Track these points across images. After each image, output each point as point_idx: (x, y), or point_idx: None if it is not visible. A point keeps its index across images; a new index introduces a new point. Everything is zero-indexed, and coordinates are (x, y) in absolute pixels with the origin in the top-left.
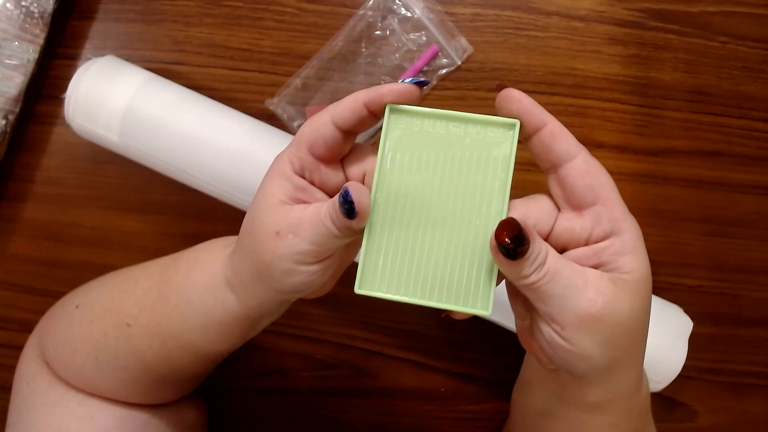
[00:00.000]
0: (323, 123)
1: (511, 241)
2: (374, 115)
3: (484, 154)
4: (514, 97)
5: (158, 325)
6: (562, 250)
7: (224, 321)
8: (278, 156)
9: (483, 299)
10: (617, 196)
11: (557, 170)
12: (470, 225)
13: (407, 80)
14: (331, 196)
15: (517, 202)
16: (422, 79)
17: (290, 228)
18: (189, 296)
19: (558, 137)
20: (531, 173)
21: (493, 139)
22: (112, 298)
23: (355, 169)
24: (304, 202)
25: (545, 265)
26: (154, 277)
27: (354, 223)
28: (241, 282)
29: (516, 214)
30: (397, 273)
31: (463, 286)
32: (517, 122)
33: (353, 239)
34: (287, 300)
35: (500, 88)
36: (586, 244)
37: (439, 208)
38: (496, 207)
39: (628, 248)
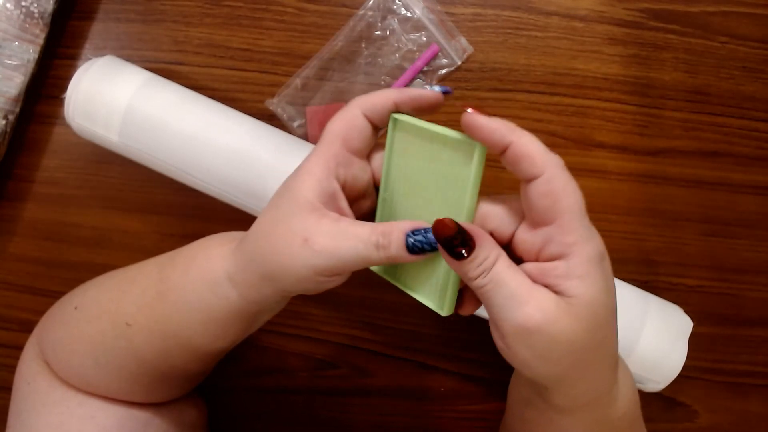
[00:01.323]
0: (355, 115)
1: (451, 241)
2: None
3: (454, 172)
4: (472, 124)
5: (157, 324)
6: (518, 259)
7: (224, 317)
8: (308, 156)
9: (441, 299)
10: (576, 219)
11: (526, 184)
12: None
13: (436, 88)
14: (355, 196)
15: (486, 203)
16: (448, 88)
17: (320, 240)
18: (188, 294)
19: (520, 159)
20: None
21: (460, 160)
22: (110, 297)
23: (380, 164)
24: (328, 207)
25: (490, 272)
26: (151, 276)
27: (412, 258)
28: (245, 279)
29: (477, 217)
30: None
31: (432, 283)
32: (478, 145)
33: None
34: (288, 297)
35: (463, 109)
36: (535, 260)
37: (425, 213)
38: (463, 219)
39: (573, 273)
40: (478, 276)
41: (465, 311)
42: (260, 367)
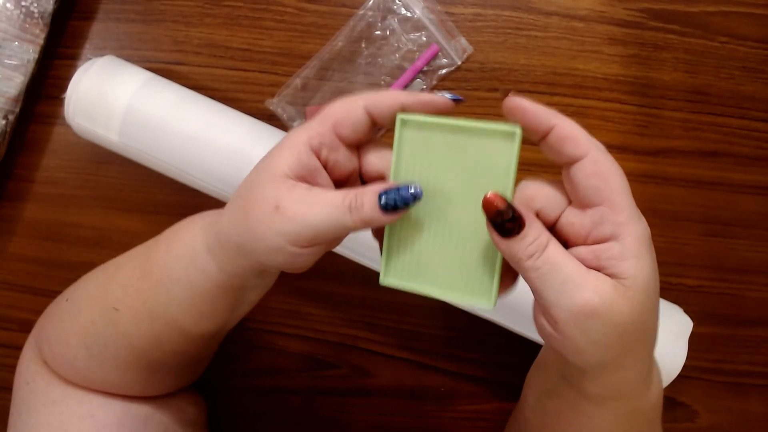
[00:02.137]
0: (357, 106)
1: (502, 216)
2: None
3: (487, 162)
4: (518, 107)
5: (144, 304)
6: (564, 243)
7: (207, 291)
8: (295, 129)
9: (485, 291)
10: (625, 199)
11: (568, 168)
12: (477, 223)
13: (447, 95)
14: (339, 180)
15: (530, 183)
16: (460, 97)
17: (292, 206)
18: (170, 270)
19: (565, 141)
20: (531, 173)
21: (495, 149)
22: (97, 285)
23: (373, 159)
24: (307, 182)
25: (543, 254)
26: (136, 259)
27: (387, 218)
28: (222, 248)
29: (522, 195)
30: (415, 265)
31: (470, 279)
32: (518, 131)
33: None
34: (269, 273)
35: (505, 94)
36: (584, 243)
37: (449, 209)
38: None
39: (628, 254)
40: (530, 257)
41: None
42: (260, 367)
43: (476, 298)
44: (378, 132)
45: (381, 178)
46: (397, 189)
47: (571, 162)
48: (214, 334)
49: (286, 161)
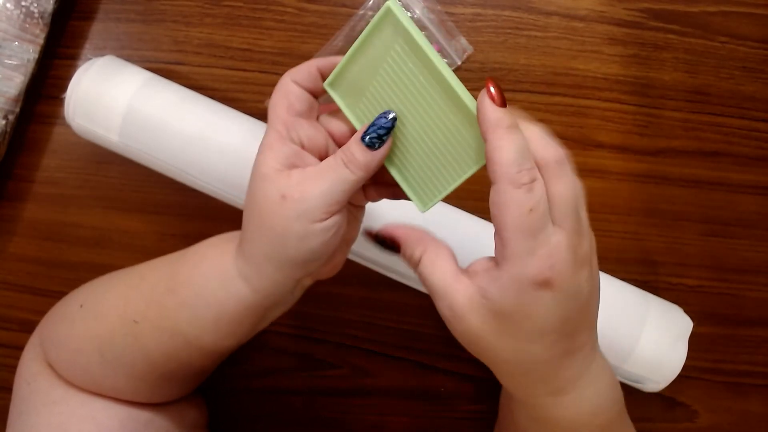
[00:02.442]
0: (287, 83)
1: (381, 244)
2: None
3: (456, 125)
4: (479, 109)
5: (166, 320)
6: None
7: (236, 313)
8: (262, 140)
9: (428, 195)
10: (514, 234)
11: None
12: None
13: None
14: (319, 155)
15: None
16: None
17: (296, 188)
18: (198, 291)
19: (488, 162)
20: None
21: (471, 128)
22: (118, 294)
23: (334, 124)
24: (297, 167)
25: (418, 268)
26: (161, 273)
27: (380, 153)
28: (255, 267)
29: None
30: (367, 102)
31: (423, 174)
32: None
33: (359, 188)
34: (302, 284)
35: (486, 85)
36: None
37: (418, 122)
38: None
39: (499, 281)
40: (412, 268)
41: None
42: (260, 367)
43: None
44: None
45: (351, 135)
46: (373, 123)
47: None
48: (231, 350)
49: (271, 159)
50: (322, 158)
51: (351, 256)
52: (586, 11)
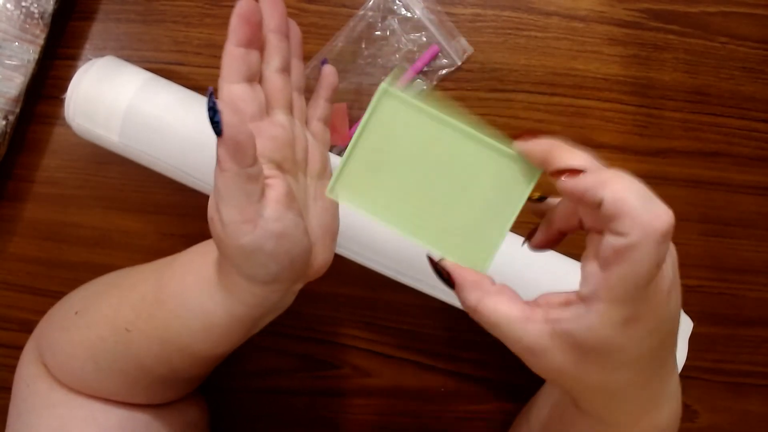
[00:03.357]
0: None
1: (436, 271)
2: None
3: (491, 173)
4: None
5: (156, 330)
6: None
7: (226, 324)
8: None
9: (483, 253)
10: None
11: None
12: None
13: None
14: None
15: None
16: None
17: (212, 208)
18: (186, 301)
19: (613, 219)
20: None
21: (507, 169)
22: (109, 303)
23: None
24: None
25: (476, 311)
26: (150, 282)
27: (228, 135)
28: (234, 286)
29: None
30: (385, 191)
31: (463, 232)
32: (537, 174)
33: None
34: (291, 290)
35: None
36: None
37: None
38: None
39: (587, 323)
40: (470, 310)
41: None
42: (260, 367)
43: (467, 258)
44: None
45: None
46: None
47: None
48: (226, 354)
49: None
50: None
51: (351, 255)
52: (586, 11)
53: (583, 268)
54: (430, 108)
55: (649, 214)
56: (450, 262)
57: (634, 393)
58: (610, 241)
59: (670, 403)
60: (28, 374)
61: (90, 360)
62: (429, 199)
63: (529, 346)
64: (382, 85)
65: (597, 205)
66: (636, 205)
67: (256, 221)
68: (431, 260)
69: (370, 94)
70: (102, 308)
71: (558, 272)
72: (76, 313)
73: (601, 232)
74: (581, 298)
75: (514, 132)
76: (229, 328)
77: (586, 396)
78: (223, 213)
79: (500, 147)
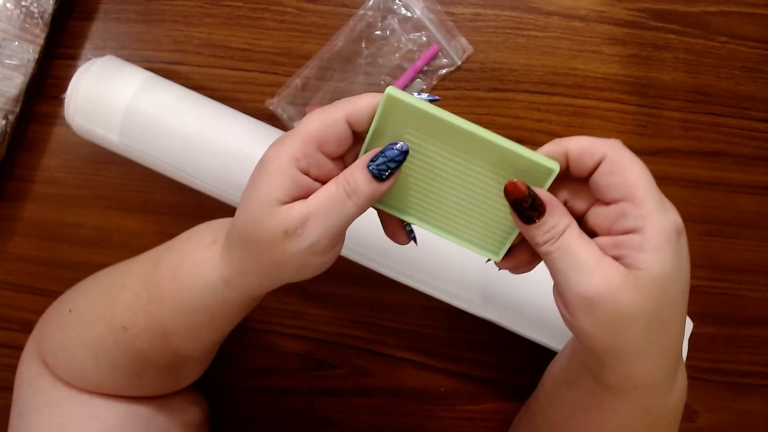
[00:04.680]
0: (337, 120)
1: (523, 204)
2: None
3: (506, 171)
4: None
5: (158, 327)
6: (593, 233)
7: (229, 312)
8: (276, 151)
9: (497, 247)
10: (647, 192)
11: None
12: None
13: (423, 96)
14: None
15: (561, 179)
16: (436, 97)
17: (298, 223)
18: (186, 300)
19: (578, 159)
20: None
21: (520, 165)
22: (102, 303)
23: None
24: (302, 198)
25: (559, 240)
26: (140, 281)
27: (385, 186)
28: (244, 278)
29: (551, 189)
30: (403, 189)
31: (486, 234)
32: (556, 167)
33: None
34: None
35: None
36: (609, 234)
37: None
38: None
39: (647, 245)
40: (546, 242)
41: (511, 265)
42: (260, 367)
43: (488, 251)
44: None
45: None
46: (382, 152)
47: (592, 170)
48: (228, 334)
49: (278, 188)
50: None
51: (351, 255)
52: (586, 11)
53: (603, 214)
54: (438, 110)
55: (601, 139)
56: (540, 190)
57: (676, 345)
58: (603, 168)
59: (680, 388)
60: (29, 374)
61: (91, 358)
62: (447, 197)
63: (611, 283)
64: (388, 90)
65: (565, 166)
66: (591, 139)
67: (338, 248)
68: (515, 186)
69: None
70: (96, 307)
71: None
72: (70, 311)
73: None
74: (630, 230)
75: (515, 132)
76: (233, 315)
77: (641, 351)
78: (316, 237)
79: (513, 148)
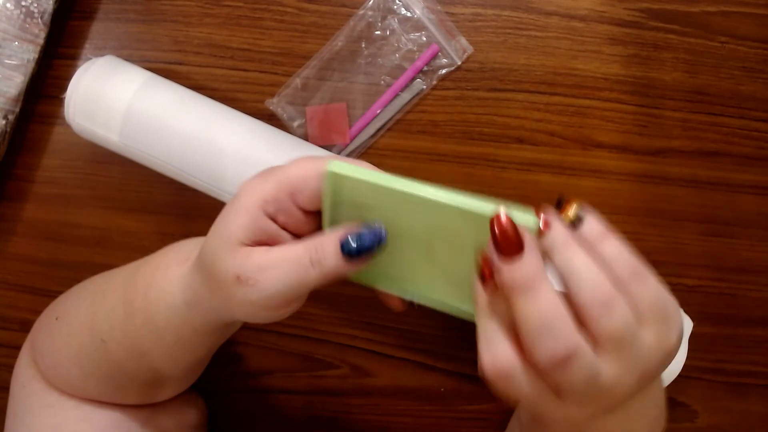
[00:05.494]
0: (315, 174)
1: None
2: None
3: (470, 230)
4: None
5: (133, 343)
6: None
7: (194, 336)
8: (251, 186)
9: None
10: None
11: None
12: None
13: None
14: (300, 235)
15: None
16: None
17: (253, 272)
18: (154, 317)
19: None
20: (531, 173)
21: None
22: (86, 312)
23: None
24: (265, 244)
25: None
26: (117, 293)
27: (353, 267)
28: (202, 306)
29: None
30: (386, 264)
31: (464, 286)
32: (531, 219)
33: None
34: None
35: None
36: None
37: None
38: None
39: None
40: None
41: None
42: (260, 367)
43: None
44: None
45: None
46: (358, 234)
47: None
48: (212, 352)
49: (240, 227)
50: (299, 237)
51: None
52: (586, 11)
53: None
54: (384, 177)
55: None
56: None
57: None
58: None
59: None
60: (24, 375)
61: (75, 366)
62: (417, 258)
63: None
64: (328, 167)
65: None
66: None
67: (294, 306)
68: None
69: (371, 94)
70: (79, 316)
71: None
72: (57, 318)
73: None
74: None
75: (515, 132)
76: (200, 339)
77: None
78: (269, 293)
79: (473, 208)
